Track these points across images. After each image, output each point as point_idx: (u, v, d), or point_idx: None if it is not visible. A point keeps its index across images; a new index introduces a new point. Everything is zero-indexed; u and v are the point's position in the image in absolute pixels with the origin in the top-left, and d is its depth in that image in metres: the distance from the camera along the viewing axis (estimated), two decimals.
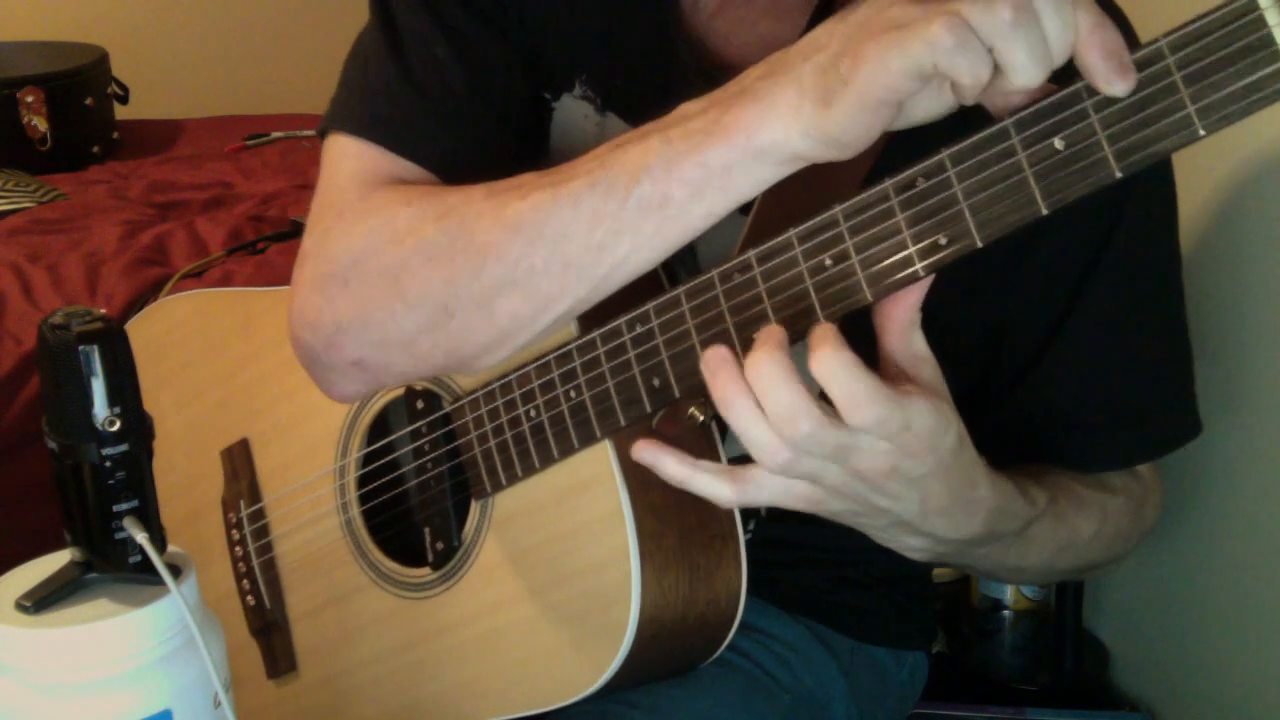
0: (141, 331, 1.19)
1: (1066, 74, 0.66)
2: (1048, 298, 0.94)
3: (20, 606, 0.70)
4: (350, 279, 0.88)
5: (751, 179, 0.73)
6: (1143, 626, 1.42)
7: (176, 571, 0.71)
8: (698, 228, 0.76)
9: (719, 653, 0.95)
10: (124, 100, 2.59)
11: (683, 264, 0.94)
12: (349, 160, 0.93)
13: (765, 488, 0.76)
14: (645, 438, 0.77)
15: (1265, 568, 1.20)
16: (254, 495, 1.10)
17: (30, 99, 2.37)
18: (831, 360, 0.69)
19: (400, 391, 0.98)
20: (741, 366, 0.72)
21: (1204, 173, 1.18)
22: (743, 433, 0.72)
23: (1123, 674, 1.45)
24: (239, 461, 1.11)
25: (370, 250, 0.87)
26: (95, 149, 2.47)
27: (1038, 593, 1.53)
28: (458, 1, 0.95)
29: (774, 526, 1.02)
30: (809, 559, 1.07)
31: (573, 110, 0.98)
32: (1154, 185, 0.94)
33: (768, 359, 0.71)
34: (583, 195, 0.78)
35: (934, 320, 0.76)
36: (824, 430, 0.70)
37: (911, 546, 0.83)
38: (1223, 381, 1.17)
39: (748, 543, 0.92)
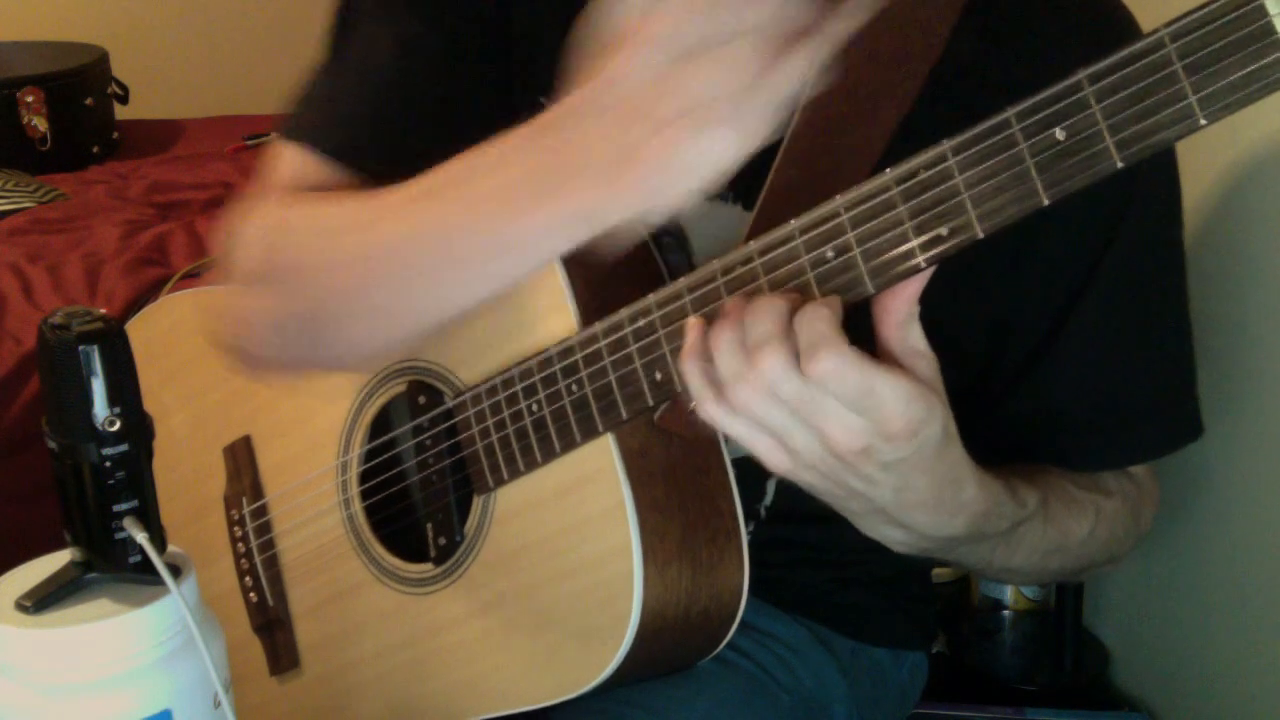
0: (142, 331, 1.19)
1: (1066, 71, 0.66)
2: (1050, 297, 0.94)
3: (20, 606, 0.70)
4: (247, 277, 0.94)
5: (556, 245, 0.76)
6: (1143, 626, 1.42)
7: (176, 571, 0.71)
8: (503, 285, 0.81)
9: (721, 648, 0.95)
10: (124, 100, 2.59)
11: (677, 259, 0.95)
12: (283, 164, 0.97)
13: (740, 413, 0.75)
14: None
15: (1266, 568, 1.19)
16: (256, 492, 1.10)
17: (30, 99, 2.37)
18: (808, 311, 0.71)
19: (403, 387, 0.98)
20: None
21: (1206, 170, 1.18)
22: (719, 359, 0.73)
23: (1123, 674, 1.45)
24: (241, 458, 1.11)
25: (258, 254, 0.93)
26: (95, 149, 2.47)
27: (1038, 593, 1.53)
28: (421, 16, 0.97)
29: (774, 527, 1.02)
30: (809, 559, 1.07)
31: None
32: (1158, 184, 0.94)
33: (769, 297, 0.73)
34: (400, 249, 0.84)
35: (936, 318, 0.76)
36: (788, 370, 0.71)
37: (891, 538, 0.83)
38: (1223, 381, 1.17)
39: (748, 543, 0.92)
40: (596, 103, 0.70)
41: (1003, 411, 0.98)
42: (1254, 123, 1.12)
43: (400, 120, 0.96)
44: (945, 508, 0.79)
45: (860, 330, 0.73)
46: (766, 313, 0.72)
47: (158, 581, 0.70)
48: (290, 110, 1.00)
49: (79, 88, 2.45)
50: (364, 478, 1.02)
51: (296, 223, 0.92)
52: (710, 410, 0.75)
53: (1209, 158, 1.17)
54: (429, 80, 0.97)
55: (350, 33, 1.01)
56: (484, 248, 0.79)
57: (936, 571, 1.49)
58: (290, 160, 0.97)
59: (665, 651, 0.91)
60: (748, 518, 1.01)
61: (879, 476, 0.75)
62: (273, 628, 1.10)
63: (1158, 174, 0.93)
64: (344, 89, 0.99)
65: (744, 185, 0.94)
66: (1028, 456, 0.96)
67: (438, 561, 0.97)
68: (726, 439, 0.88)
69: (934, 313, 0.75)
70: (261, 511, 1.10)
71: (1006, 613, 1.55)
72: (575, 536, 0.89)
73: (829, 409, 0.72)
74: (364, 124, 0.97)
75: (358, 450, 1.02)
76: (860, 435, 0.72)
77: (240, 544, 1.11)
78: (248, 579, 1.11)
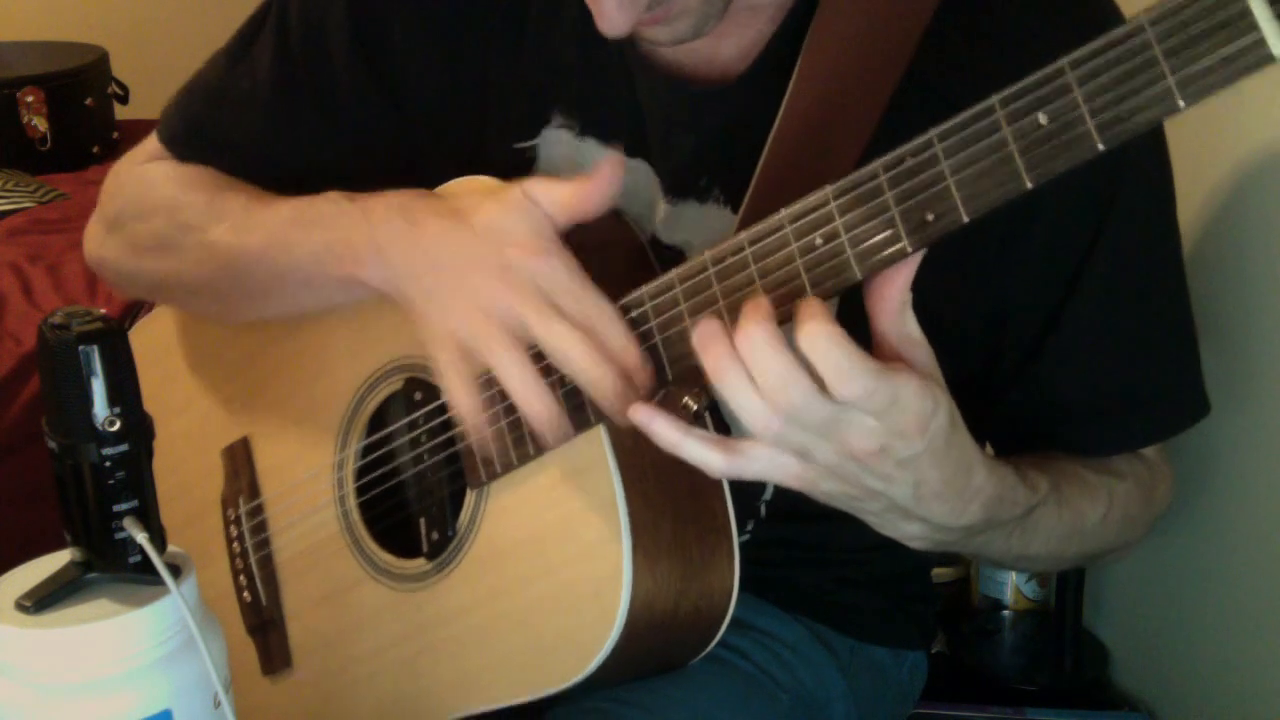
0: (144, 333, 1.19)
1: (1048, 60, 0.67)
2: (1046, 284, 0.94)
3: (20, 606, 0.70)
4: (111, 224, 1.12)
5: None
6: (1143, 626, 1.42)
7: (176, 571, 0.71)
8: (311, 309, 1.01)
9: (711, 648, 0.95)
10: (124, 100, 2.59)
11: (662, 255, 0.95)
12: (153, 143, 1.13)
13: (755, 460, 0.76)
14: (640, 401, 0.78)
15: (1266, 567, 1.20)
16: (253, 492, 1.10)
17: (30, 99, 2.37)
18: (818, 333, 0.71)
19: (400, 385, 0.98)
20: (732, 339, 0.73)
21: (1208, 158, 1.18)
22: (735, 403, 0.73)
23: (1123, 674, 1.45)
24: (239, 459, 1.11)
25: (125, 207, 1.11)
26: (95, 149, 2.46)
27: (1038, 592, 1.53)
28: (314, 60, 1.04)
29: (773, 526, 1.02)
30: (808, 559, 1.07)
31: (555, 139, 1.00)
32: (1148, 166, 0.94)
33: (758, 329, 0.72)
34: (229, 262, 1.01)
35: (934, 312, 0.76)
36: (813, 401, 0.71)
37: (910, 534, 0.83)
38: (1226, 377, 1.16)
39: (747, 543, 0.92)
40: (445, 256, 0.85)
41: (1008, 401, 0.98)
42: (1260, 111, 1.12)
43: (251, 178, 1.07)
44: (959, 496, 0.80)
45: (854, 323, 0.73)
46: (766, 349, 0.72)
47: (158, 581, 0.70)
48: (175, 100, 1.13)
49: (79, 88, 2.44)
50: (359, 475, 1.02)
51: (157, 201, 1.07)
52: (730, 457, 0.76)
53: (1212, 145, 1.17)
54: (286, 147, 1.06)
55: (255, 38, 1.08)
56: (291, 292, 0.98)
57: (936, 571, 1.49)
58: (159, 147, 1.12)
59: (654, 648, 0.91)
60: (747, 515, 1.01)
61: (896, 474, 0.75)
62: (266, 628, 1.09)
63: (1147, 157, 0.93)
64: (219, 108, 1.10)
65: (732, 187, 0.94)
66: (1036, 444, 0.96)
67: (430, 556, 0.97)
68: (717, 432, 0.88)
69: (932, 306, 0.76)
70: (257, 511, 1.10)
71: (1006, 613, 1.55)
72: (566, 530, 0.89)
73: (852, 420, 0.72)
74: (221, 158, 1.09)
75: (354, 447, 1.02)
76: (875, 436, 0.73)
77: (235, 544, 1.11)
78: (242, 579, 1.11)
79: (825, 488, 0.77)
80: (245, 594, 1.11)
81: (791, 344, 0.72)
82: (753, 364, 0.72)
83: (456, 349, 0.85)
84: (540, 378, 0.83)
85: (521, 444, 0.89)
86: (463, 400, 0.86)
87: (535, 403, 0.83)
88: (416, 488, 0.98)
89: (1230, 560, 1.25)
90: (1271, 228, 1.15)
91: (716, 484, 0.90)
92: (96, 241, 1.15)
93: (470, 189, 0.92)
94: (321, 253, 0.94)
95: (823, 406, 0.71)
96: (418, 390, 0.97)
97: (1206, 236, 1.19)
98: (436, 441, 0.96)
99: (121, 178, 1.14)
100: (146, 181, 1.10)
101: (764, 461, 0.76)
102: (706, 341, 0.74)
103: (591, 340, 0.80)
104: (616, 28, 0.82)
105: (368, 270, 0.91)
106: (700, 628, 0.92)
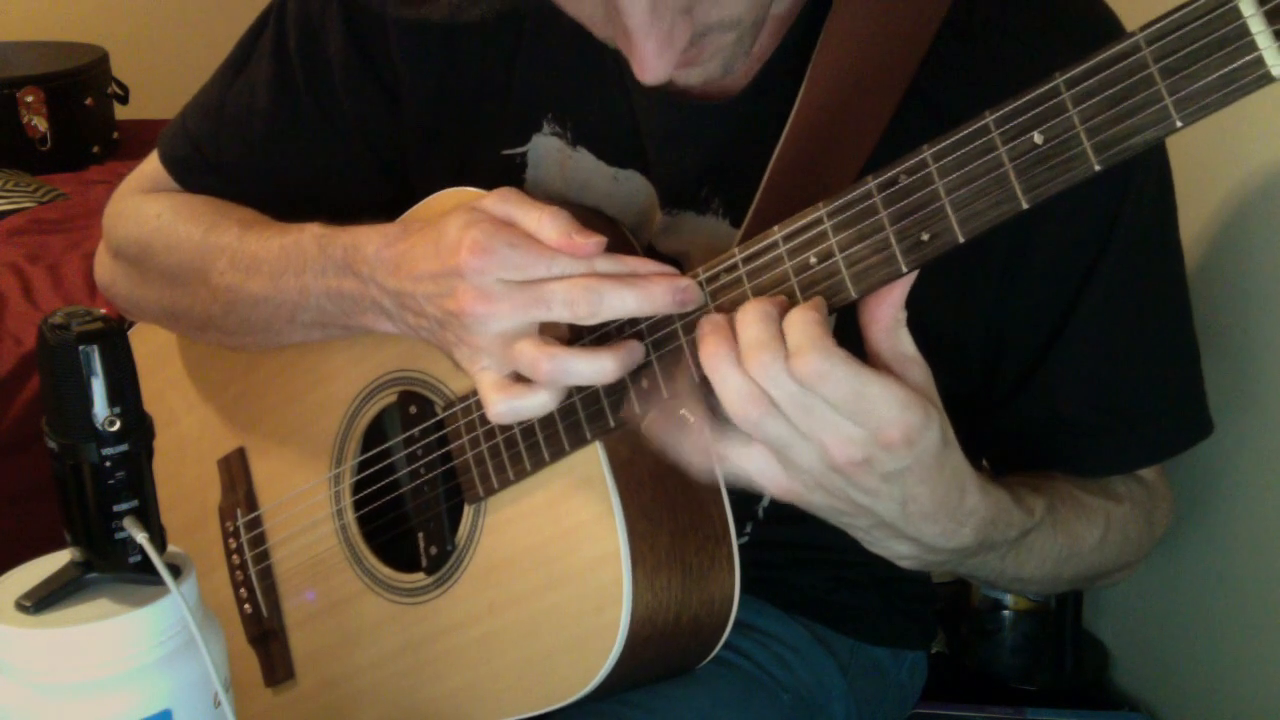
0: (146, 338, 1.19)
1: (1043, 74, 0.67)
2: (1047, 303, 0.94)
3: (20, 606, 0.70)
4: (116, 253, 1.14)
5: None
6: (1143, 626, 1.42)
7: (176, 571, 0.71)
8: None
9: (713, 655, 0.95)
10: (124, 100, 2.59)
11: None
12: (154, 166, 1.13)
13: (736, 450, 0.76)
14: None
15: (1266, 568, 1.20)
16: (250, 504, 1.10)
17: (30, 99, 2.37)
18: (796, 313, 0.71)
19: (394, 398, 0.98)
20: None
21: (1211, 170, 1.17)
22: (718, 382, 0.73)
23: (1123, 674, 1.45)
24: (235, 470, 1.11)
25: (125, 241, 1.12)
26: (95, 149, 2.46)
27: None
28: (312, 65, 1.04)
29: (772, 528, 1.02)
30: (808, 559, 1.07)
31: (546, 146, 0.99)
32: (1150, 185, 0.93)
33: (756, 303, 0.73)
34: (232, 303, 1.01)
35: (932, 327, 0.76)
36: (780, 371, 0.71)
37: (900, 553, 0.82)
38: (1227, 382, 1.17)
39: (746, 544, 0.92)
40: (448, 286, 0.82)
41: (1006, 419, 0.97)
42: (1262, 123, 1.12)
43: (250, 192, 1.08)
44: (951, 517, 0.79)
45: (851, 339, 0.73)
46: (755, 317, 0.72)
47: (158, 581, 0.70)
48: (175, 119, 1.12)
49: (79, 88, 2.44)
50: (357, 488, 1.02)
51: (156, 237, 1.07)
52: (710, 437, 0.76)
53: (1215, 157, 1.17)
54: (286, 156, 1.07)
55: (253, 49, 1.08)
56: (290, 331, 0.98)
57: (936, 572, 1.49)
58: (159, 169, 1.12)
59: (657, 658, 0.91)
60: (746, 518, 1.01)
61: (882, 488, 0.75)
62: (267, 639, 1.09)
63: (1149, 176, 0.93)
64: (219, 123, 1.09)
65: (732, 200, 0.94)
66: (1035, 464, 0.96)
67: (430, 571, 0.97)
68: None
69: (930, 321, 0.75)
70: (256, 523, 1.09)
71: (1006, 613, 1.55)
72: (565, 544, 0.89)
73: (824, 416, 0.72)
74: (218, 182, 1.09)
75: (350, 461, 1.02)
76: (859, 446, 0.72)
77: (235, 556, 1.11)
78: (242, 590, 1.11)
79: (813, 500, 0.77)
80: (246, 605, 1.10)
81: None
82: (739, 330, 0.73)
83: (500, 386, 0.84)
84: (594, 350, 0.81)
85: (518, 459, 0.89)
86: (545, 407, 0.84)
87: (609, 371, 0.81)
88: (414, 502, 0.98)
89: (1230, 560, 1.25)
90: (1274, 243, 1.15)
91: (714, 492, 0.90)
92: (105, 268, 1.17)
93: (439, 208, 0.92)
94: (326, 304, 0.94)
95: (789, 381, 0.71)
96: (412, 404, 0.97)
97: (1208, 252, 1.19)
98: (432, 457, 0.96)
99: (121, 204, 1.14)
100: (143, 215, 1.10)
101: (746, 456, 0.76)
102: (709, 329, 0.74)
103: (596, 279, 0.79)
104: (657, 75, 0.78)
105: (385, 326, 0.91)
106: (702, 636, 0.92)
